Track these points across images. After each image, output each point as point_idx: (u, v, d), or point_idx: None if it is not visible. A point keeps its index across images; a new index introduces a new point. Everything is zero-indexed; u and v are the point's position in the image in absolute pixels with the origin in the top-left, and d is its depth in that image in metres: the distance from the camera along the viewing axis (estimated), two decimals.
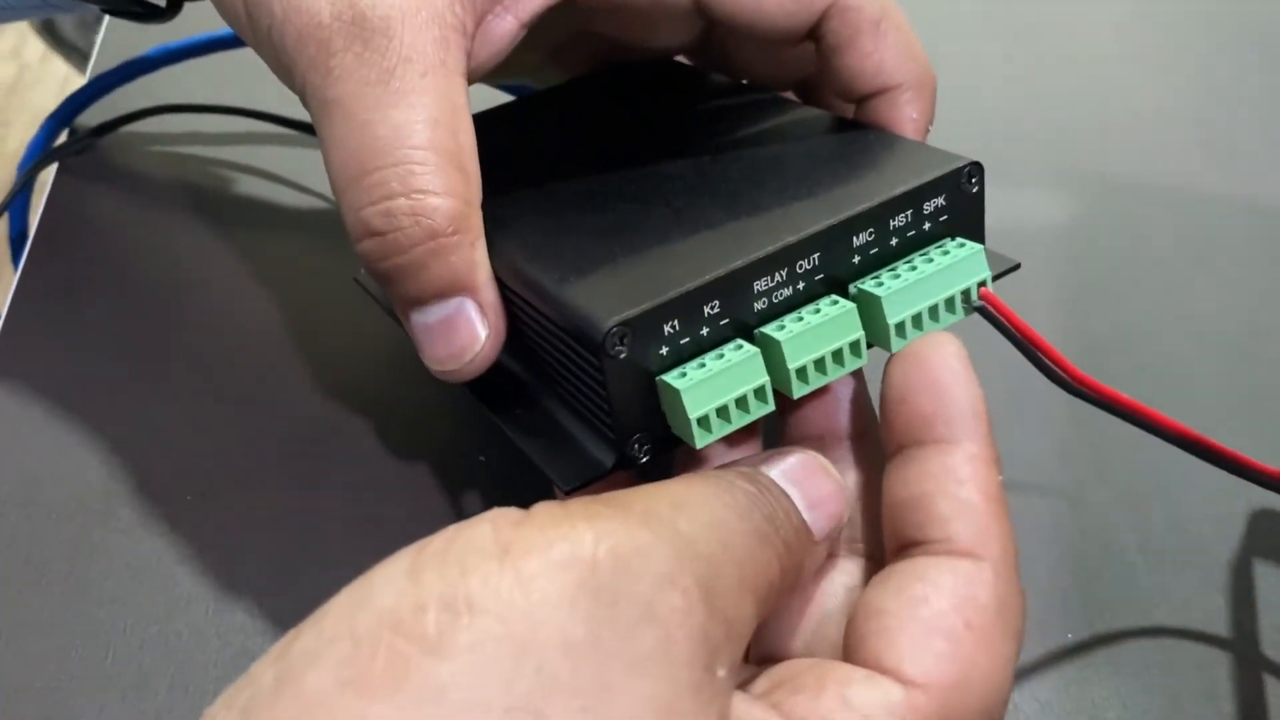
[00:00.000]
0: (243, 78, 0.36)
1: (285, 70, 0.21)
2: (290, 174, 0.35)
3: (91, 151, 0.35)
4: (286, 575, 0.24)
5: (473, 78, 0.22)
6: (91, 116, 0.36)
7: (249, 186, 0.35)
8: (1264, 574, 0.23)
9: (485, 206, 0.21)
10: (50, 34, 1.39)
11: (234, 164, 0.35)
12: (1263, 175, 0.35)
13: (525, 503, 0.23)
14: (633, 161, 0.23)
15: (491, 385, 0.22)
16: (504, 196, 0.22)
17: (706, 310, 0.19)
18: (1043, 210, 0.34)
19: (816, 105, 0.26)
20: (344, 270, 0.28)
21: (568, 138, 0.25)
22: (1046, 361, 0.20)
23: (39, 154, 0.35)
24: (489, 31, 0.22)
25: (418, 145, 0.20)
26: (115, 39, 0.39)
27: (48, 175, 0.35)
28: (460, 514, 0.25)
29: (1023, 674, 0.22)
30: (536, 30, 0.23)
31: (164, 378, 0.29)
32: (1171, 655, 0.22)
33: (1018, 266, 0.22)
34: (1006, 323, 0.20)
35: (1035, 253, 0.31)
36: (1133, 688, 0.22)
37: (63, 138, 0.36)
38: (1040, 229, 0.33)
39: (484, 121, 0.22)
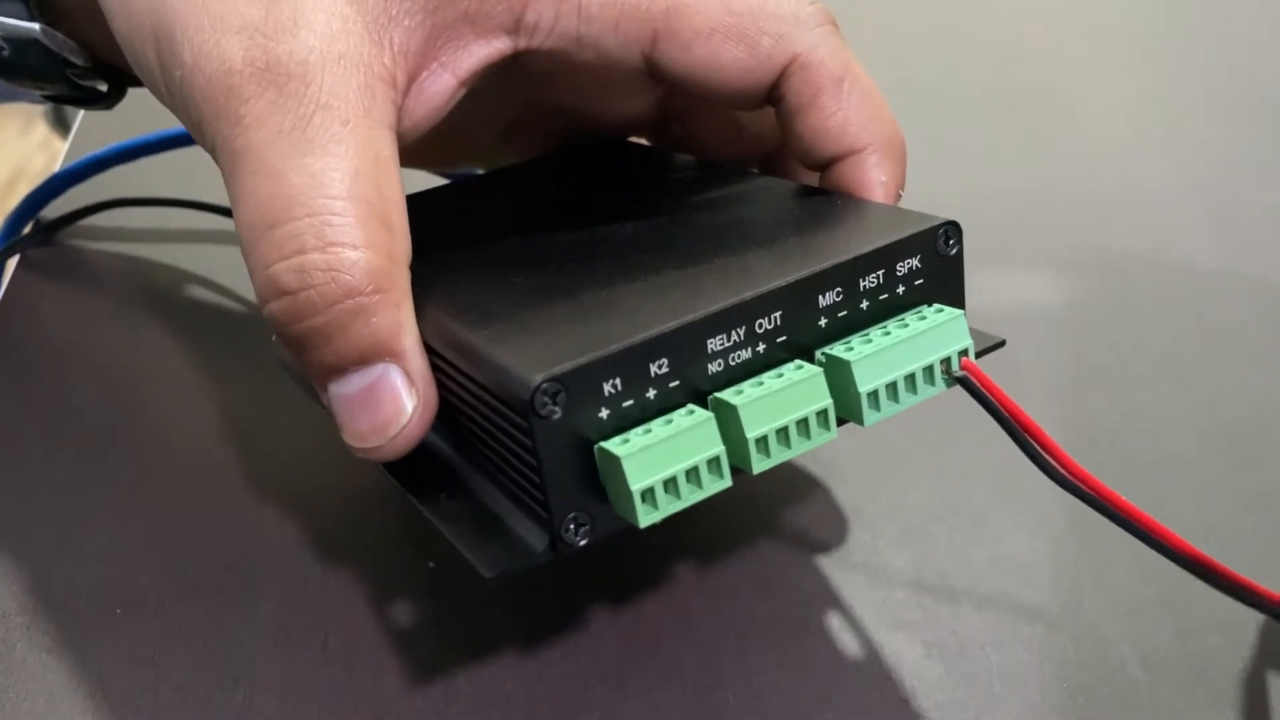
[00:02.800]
0: (204, 172, 0.35)
1: (196, 125, 0.20)
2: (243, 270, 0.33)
3: (51, 244, 0.34)
4: (220, 693, 0.21)
5: (408, 138, 0.21)
6: (56, 209, 0.35)
7: (202, 283, 0.34)
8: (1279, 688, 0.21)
9: (416, 271, 0.19)
10: (58, 121, 1.44)
11: (190, 258, 0.35)
12: (1268, 254, 0.34)
13: (479, 617, 0.20)
14: (581, 227, 0.22)
15: (414, 466, 0.20)
16: (437, 263, 0.21)
17: (653, 369, 0.17)
18: (1039, 291, 0.33)
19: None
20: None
21: (515, 212, 0.24)
22: (1035, 447, 0.18)
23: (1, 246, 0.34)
24: (424, 89, 0.21)
25: (335, 195, 0.19)
26: (94, 129, 0.39)
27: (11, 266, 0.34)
28: (403, 628, 0.22)
29: None
30: (482, 99, 0.22)
31: (100, 481, 0.27)
32: None
33: (1002, 344, 0.21)
34: (991, 398, 0.18)
35: (1030, 336, 0.30)
36: None
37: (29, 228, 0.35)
38: (1036, 310, 0.32)
39: (425, 198, 0.21)
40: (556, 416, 0.16)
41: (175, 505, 0.26)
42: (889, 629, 0.22)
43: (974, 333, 0.20)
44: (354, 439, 0.19)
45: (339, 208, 0.18)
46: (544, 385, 0.16)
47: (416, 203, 0.20)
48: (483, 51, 0.21)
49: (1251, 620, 0.22)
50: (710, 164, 0.25)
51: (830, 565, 0.23)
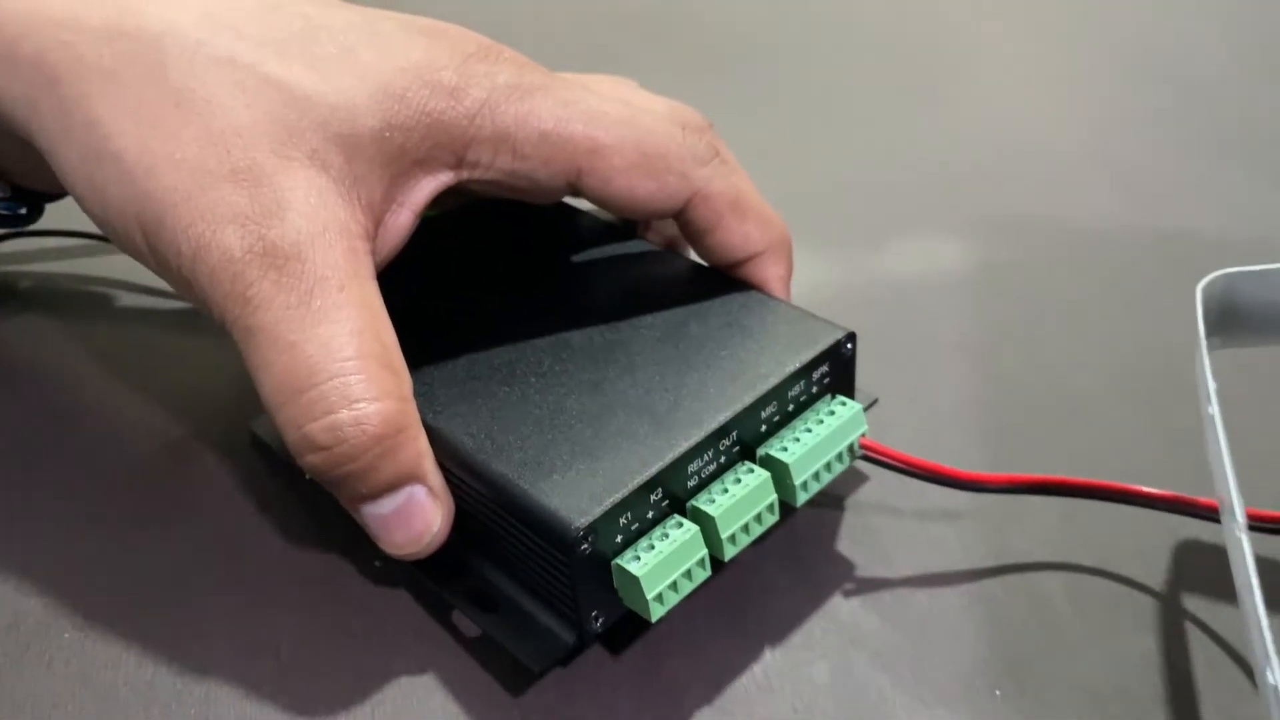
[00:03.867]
0: None
1: (201, 303, 0.22)
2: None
3: None
4: (176, 708, 0.24)
5: (380, 269, 0.24)
6: None
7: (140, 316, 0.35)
8: (1196, 607, 0.25)
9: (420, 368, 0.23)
10: None
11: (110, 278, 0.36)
12: (1163, 208, 0.38)
13: (427, 620, 0.24)
14: (539, 322, 0.25)
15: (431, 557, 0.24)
16: (422, 364, 0.24)
17: (652, 497, 0.21)
18: (951, 255, 0.37)
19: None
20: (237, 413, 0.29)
21: (466, 285, 0.27)
22: (941, 476, 0.24)
23: None
24: (388, 227, 0.24)
25: (349, 357, 0.22)
26: None
27: None
28: (356, 633, 0.25)
29: None
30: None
31: (42, 499, 0.28)
32: (1102, 699, 0.24)
33: (876, 401, 0.26)
34: (892, 460, 0.24)
35: (945, 299, 0.35)
36: None
37: None
38: (948, 274, 0.36)
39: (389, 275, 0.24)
40: (589, 551, 0.20)
41: (118, 522, 0.28)
42: (826, 584, 0.26)
43: (859, 393, 0.25)
44: (392, 549, 0.23)
45: (353, 367, 0.22)
46: (583, 530, 0.20)
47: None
48: (432, 185, 0.24)
49: (1164, 548, 0.26)
50: (630, 235, 0.28)
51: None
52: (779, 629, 0.25)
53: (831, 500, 0.28)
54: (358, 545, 0.26)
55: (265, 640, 0.25)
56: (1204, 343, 0.23)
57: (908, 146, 0.43)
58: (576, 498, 0.21)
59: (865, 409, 0.26)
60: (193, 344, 0.34)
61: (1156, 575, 0.26)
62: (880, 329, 0.33)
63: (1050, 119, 0.44)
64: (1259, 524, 0.24)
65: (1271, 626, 0.23)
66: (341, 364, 0.22)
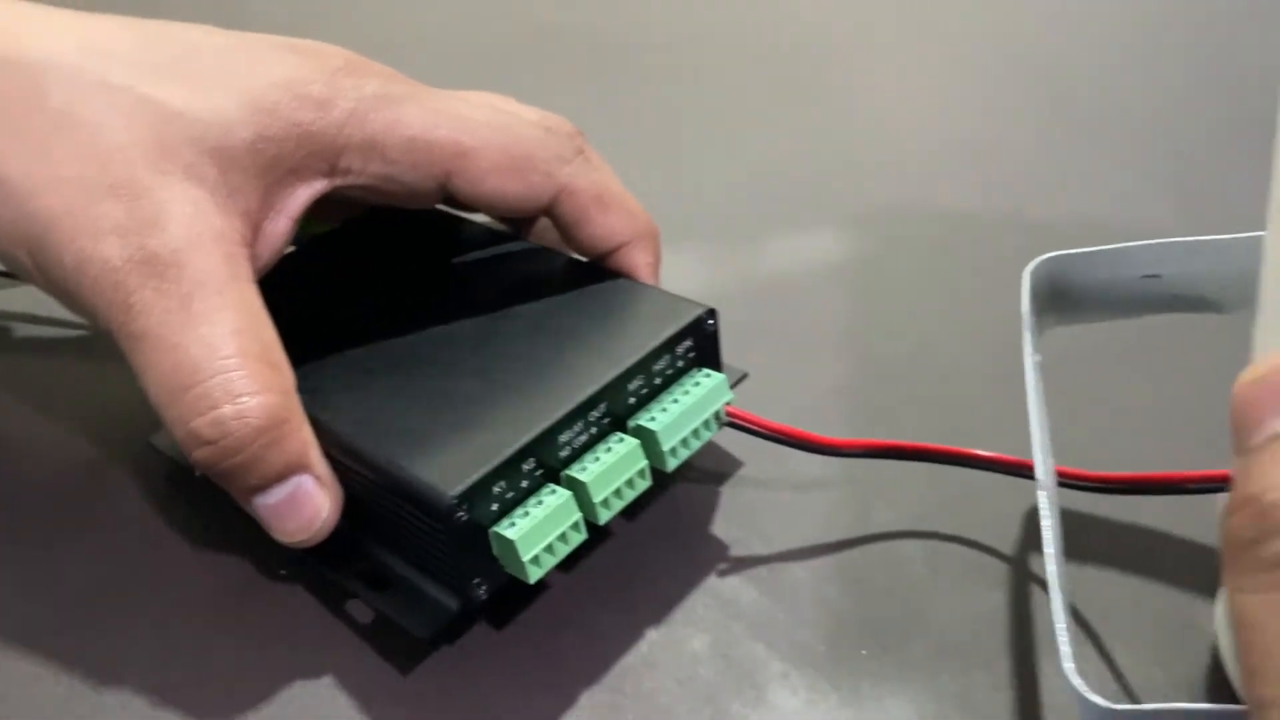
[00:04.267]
0: None
1: (86, 313, 0.24)
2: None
3: None
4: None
5: (261, 273, 0.25)
6: None
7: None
8: (1038, 566, 0.27)
9: (303, 364, 0.24)
10: None
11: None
12: (1025, 195, 0.41)
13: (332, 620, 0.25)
14: (420, 321, 0.27)
15: (325, 544, 0.25)
16: (308, 364, 0.25)
17: (524, 467, 0.23)
18: (827, 248, 0.39)
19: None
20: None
21: (352, 292, 0.29)
22: (802, 441, 0.26)
23: None
24: (266, 234, 0.26)
25: (229, 355, 0.23)
26: None
27: None
28: (270, 633, 0.27)
29: (819, 694, 0.25)
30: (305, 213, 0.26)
31: None
32: (957, 654, 0.26)
33: (746, 376, 0.28)
34: (755, 426, 0.26)
35: (822, 289, 0.37)
36: (924, 697, 0.25)
37: None
38: (825, 265, 0.38)
39: (270, 281, 0.25)
40: (465, 519, 0.22)
41: (28, 543, 0.29)
42: (705, 561, 0.27)
43: (728, 368, 0.27)
44: (283, 536, 0.24)
45: (234, 364, 0.23)
46: (457, 498, 0.22)
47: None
48: (307, 193, 0.26)
49: (1016, 512, 0.28)
50: (510, 237, 0.30)
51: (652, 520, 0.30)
52: (662, 606, 0.27)
53: (711, 478, 0.30)
54: (262, 551, 0.28)
55: (177, 648, 0.26)
56: (1027, 320, 0.25)
57: (785, 145, 0.45)
58: (451, 469, 0.22)
59: (736, 383, 0.27)
60: (91, 369, 0.35)
61: (1008, 539, 0.28)
62: (762, 317, 0.35)
63: (918, 114, 0.47)
64: (1071, 481, 0.26)
65: (1075, 575, 0.26)
66: (223, 361, 0.23)
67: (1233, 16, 0.53)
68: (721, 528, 0.29)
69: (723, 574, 0.28)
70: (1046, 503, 0.22)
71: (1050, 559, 0.22)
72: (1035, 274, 0.26)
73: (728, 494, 0.30)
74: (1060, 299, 0.27)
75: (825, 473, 0.30)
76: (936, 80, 0.50)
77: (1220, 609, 0.24)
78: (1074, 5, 0.55)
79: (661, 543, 0.29)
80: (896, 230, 0.40)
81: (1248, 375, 0.18)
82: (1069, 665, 0.20)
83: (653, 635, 0.26)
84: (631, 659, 0.26)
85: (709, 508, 0.29)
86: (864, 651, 0.26)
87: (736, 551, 0.28)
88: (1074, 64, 0.50)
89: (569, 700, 0.25)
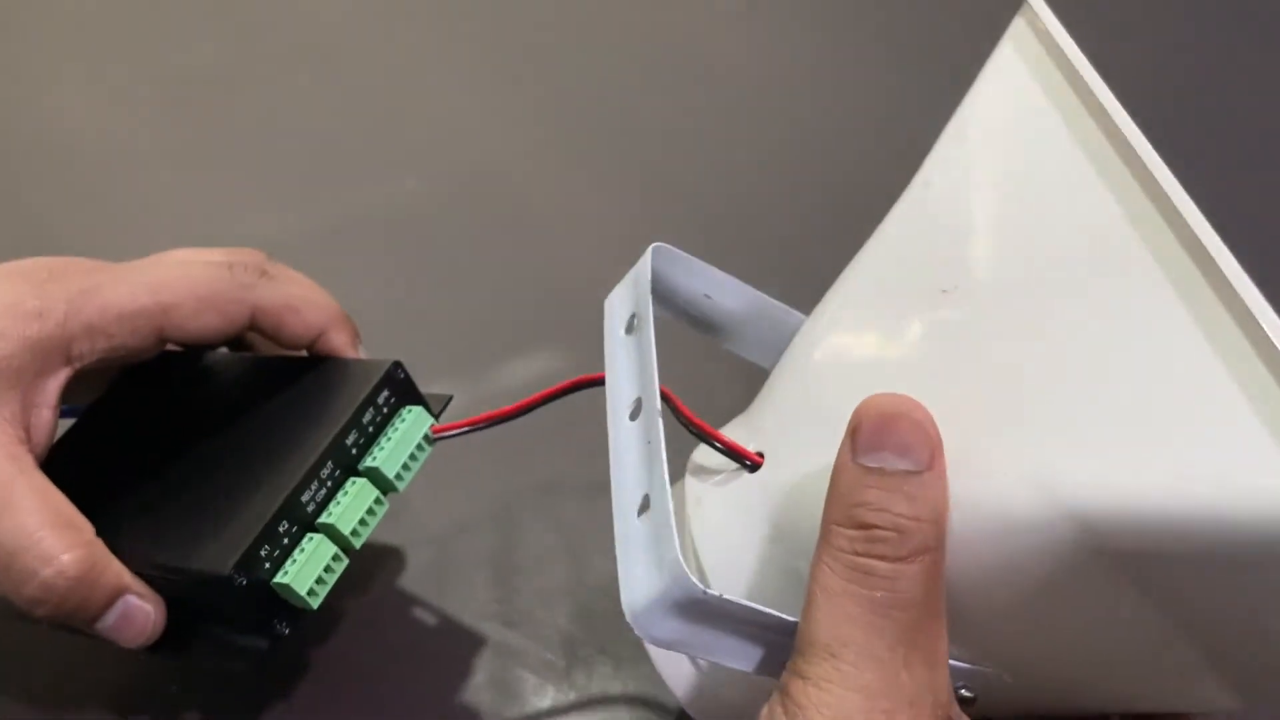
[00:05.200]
0: None
1: None
2: None
3: None
4: None
5: (39, 459, 0.31)
6: None
7: None
8: None
9: (103, 510, 0.31)
10: None
11: None
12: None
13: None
14: (177, 446, 0.34)
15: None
16: (99, 508, 0.32)
17: (279, 529, 0.30)
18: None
19: None
20: None
21: (122, 440, 0.35)
22: (488, 422, 0.33)
23: None
24: (35, 427, 0.32)
25: (35, 529, 0.29)
26: None
27: None
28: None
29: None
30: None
31: None
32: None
33: (451, 398, 0.35)
34: (459, 429, 0.33)
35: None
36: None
37: None
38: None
39: (64, 449, 0.32)
40: (245, 583, 0.29)
41: None
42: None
43: (432, 397, 0.34)
44: (130, 644, 0.31)
45: (41, 536, 0.29)
46: (232, 569, 0.29)
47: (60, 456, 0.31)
48: (55, 385, 0.32)
49: None
50: (253, 358, 0.37)
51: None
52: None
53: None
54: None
55: None
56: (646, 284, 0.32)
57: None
58: (223, 551, 0.29)
59: (444, 407, 0.35)
60: None
61: None
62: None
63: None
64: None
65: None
66: (31, 539, 0.29)
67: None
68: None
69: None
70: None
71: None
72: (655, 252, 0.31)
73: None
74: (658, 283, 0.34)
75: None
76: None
77: None
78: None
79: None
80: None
81: (889, 401, 0.23)
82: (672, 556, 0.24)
83: None
84: None
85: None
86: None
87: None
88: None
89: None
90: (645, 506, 0.25)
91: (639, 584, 0.24)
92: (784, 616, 0.24)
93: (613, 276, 0.31)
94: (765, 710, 0.23)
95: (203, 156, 0.59)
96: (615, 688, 0.35)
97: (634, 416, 0.27)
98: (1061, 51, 0.25)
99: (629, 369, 0.29)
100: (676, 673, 0.29)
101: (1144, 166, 0.22)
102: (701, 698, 0.29)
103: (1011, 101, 0.27)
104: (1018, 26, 0.27)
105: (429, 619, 0.39)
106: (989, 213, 0.26)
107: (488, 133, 0.59)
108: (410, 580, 0.40)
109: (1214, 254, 0.20)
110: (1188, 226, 0.21)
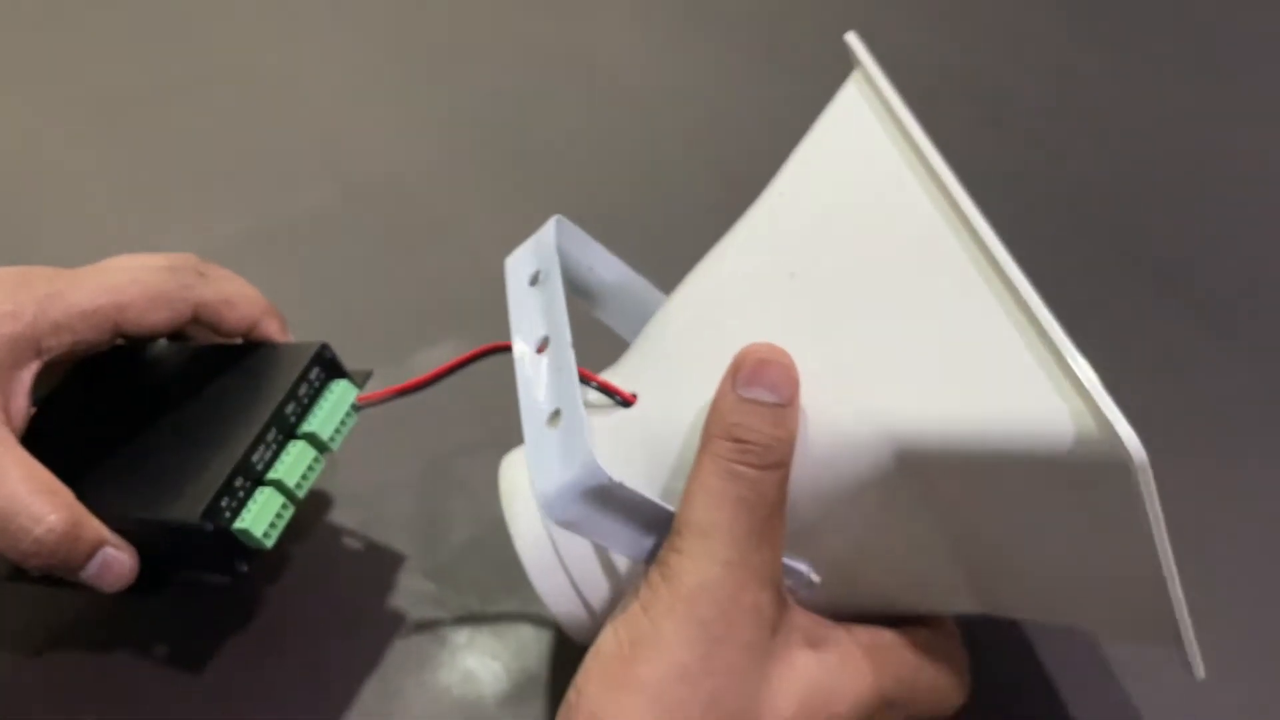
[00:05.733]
0: None
1: None
2: None
3: None
4: None
5: (19, 437, 0.37)
6: None
7: None
8: None
9: (76, 477, 0.36)
10: None
11: None
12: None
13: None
14: (139, 421, 0.39)
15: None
16: (77, 475, 0.37)
17: (235, 483, 0.36)
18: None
19: None
20: None
21: (90, 416, 0.40)
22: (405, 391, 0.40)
23: None
24: (12, 412, 0.37)
25: (24, 495, 0.34)
26: None
27: None
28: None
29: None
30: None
31: None
32: None
33: (371, 373, 0.42)
34: (377, 399, 0.40)
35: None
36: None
37: None
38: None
39: (32, 431, 0.37)
40: (211, 528, 0.35)
41: None
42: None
43: (355, 373, 0.41)
44: (109, 589, 0.36)
45: (30, 500, 0.34)
46: (201, 515, 0.35)
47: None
48: (28, 374, 0.37)
49: None
50: (199, 347, 0.42)
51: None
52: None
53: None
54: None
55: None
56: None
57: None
58: (192, 502, 0.35)
59: (365, 379, 0.41)
60: None
61: None
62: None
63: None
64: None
65: None
66: (22, 501, 0.35)
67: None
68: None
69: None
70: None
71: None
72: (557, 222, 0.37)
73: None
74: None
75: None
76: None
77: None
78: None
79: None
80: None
81: (766, 349, 0.29)
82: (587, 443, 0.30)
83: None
84: None
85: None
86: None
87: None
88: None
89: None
90: (556, 416, 0.30)
91: (553, 474, 0.29)
92: (668, 507, 0.29)
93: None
94: (643, 582, 0.30)
95: (129, 173, 0.64)
96: (521, 619, 0.41)
97: (540, 349, 0.32)
98: (888, 101, 0.32)
99: (535, 315, 0.33)
100: (555, 595, 0.34)
101: (947, 187, 0.29)
102: (573, 615, 0.34)
103: (852, 132, 0.33)
104: (858, 73, 0.34)
105: (359, 569, 0.45)
106: (829, 214, 0.33)
107: (391, 143, 0.65)
108: (343, 535, 0.46)
109: (995, 252, 0.27)
110: (977, 231, 0.28)
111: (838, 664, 0.30)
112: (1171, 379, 0.49)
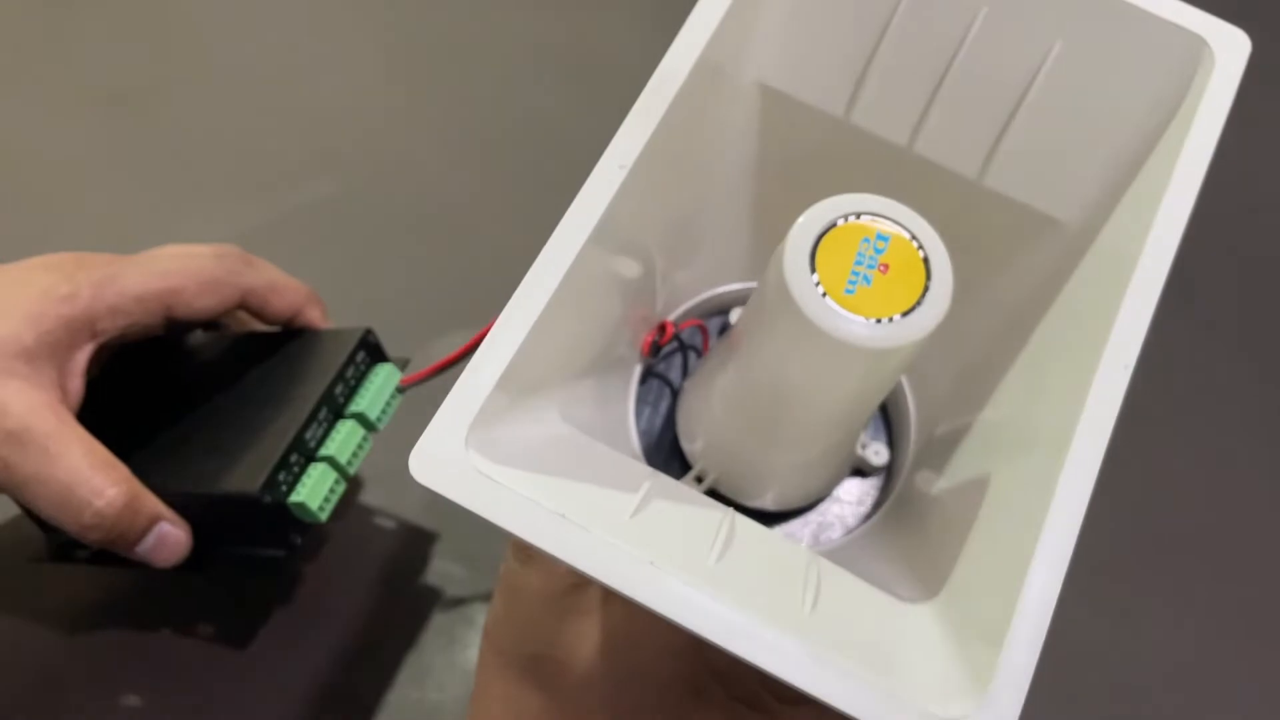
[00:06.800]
0: None
1: None
2: None
3: None
4: None
5: (79, 409, 0.38)
6: None
7: None
8: None
9: (128, 456, 0.37)
10: None
11: None
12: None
13: None
14: (196, 400, 0.41)
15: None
16: (134, 451, 0.38)
17: (290, 459, 0.37)
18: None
19: None
20: None
21: (146, 396, 0.42)
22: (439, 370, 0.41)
23: None
24: (69, 390, 0.38)
25: (85, 469, 0.36)
26: None
27: None
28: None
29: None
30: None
31: None
32: None
33: (409, 360, 0.43)
34: (422, 378, 0.41)
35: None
36: None
37: None
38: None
39: (85, 412, 0.38)
40: (270, 500, 0.36)
41: None
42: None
43: (395, 360, 0.42)
44: (164, 564, 0.37)
45: (90, 475, 0.36)
46: (259, 489, 0.36)
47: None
48: (84, 356, 0.39)
49: None
50: (251, 334, 0.44)
51: None
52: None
53: None
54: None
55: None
56: None
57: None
58: (250, 476, 0.37)
59: (406, 364, 0.43)
60: None
61: None
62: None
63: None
64: None
65: None
66: (83, 479, 0.36)
67: None
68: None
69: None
70: None
71: None
72: None
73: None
74: None
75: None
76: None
77: None
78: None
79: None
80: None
81: None
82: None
83: None
84: None
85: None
86: None
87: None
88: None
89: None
90: None
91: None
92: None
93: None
94: None
95: (138, 167, 0.65)
96: None
97: None
98: None
99: None
100: None
101: None
102: None
103: None
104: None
105: (392, 548, 0.46)
106: None
107: (398, 135, 0.66)
108: (375, 515, 0.47)
109: None
110: None
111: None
112: (1160, 372, 0.52)
